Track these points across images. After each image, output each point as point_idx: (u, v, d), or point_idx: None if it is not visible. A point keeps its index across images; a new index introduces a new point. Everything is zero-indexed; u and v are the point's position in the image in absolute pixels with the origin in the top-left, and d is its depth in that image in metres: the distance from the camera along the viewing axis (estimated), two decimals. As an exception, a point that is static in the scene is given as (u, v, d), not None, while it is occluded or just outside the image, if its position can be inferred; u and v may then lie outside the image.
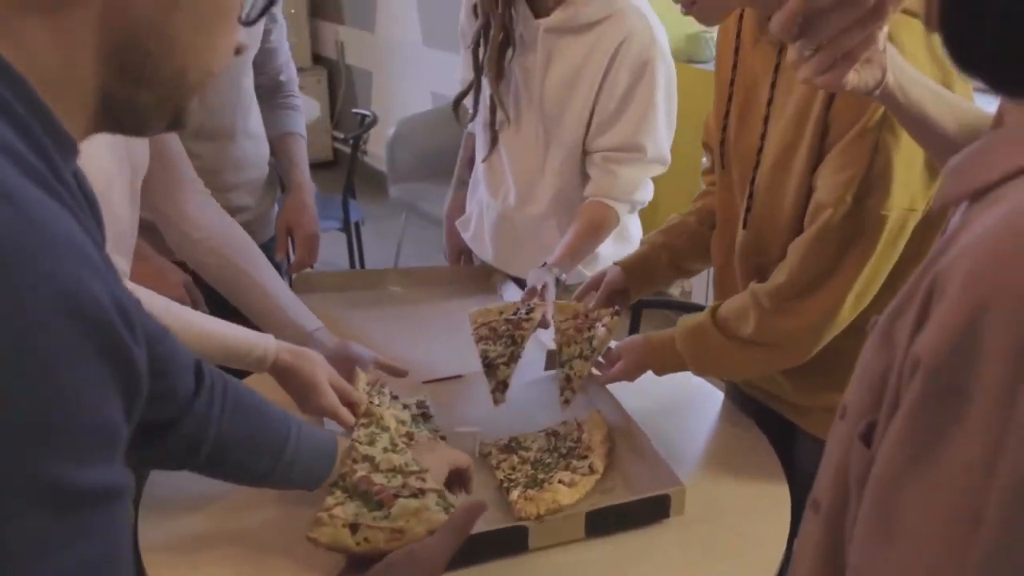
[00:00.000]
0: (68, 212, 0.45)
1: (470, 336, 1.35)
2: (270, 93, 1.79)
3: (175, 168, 1.33)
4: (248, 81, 1.66)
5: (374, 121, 3.42)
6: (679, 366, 1.26)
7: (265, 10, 0.61)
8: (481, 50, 1.58)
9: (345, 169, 3.38)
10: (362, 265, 3.42)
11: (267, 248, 1.78)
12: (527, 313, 1.34)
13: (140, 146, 1.20)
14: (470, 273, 1.86)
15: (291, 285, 1.65)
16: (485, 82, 1.59)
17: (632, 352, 1.31)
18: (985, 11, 0.48)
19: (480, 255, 1.82)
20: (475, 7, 1.58)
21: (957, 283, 0.45)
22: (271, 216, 1.80)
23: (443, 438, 1.24)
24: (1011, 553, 0.44)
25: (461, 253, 1.90)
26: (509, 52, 1.56)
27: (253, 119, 1.70)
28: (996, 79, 0.50)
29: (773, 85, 1.14)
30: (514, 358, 1.28)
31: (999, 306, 0.43)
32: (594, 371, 1.35)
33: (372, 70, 4.81)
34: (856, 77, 0.74)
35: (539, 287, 1.39)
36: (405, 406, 1.26)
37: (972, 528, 0.45)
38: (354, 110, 3.85)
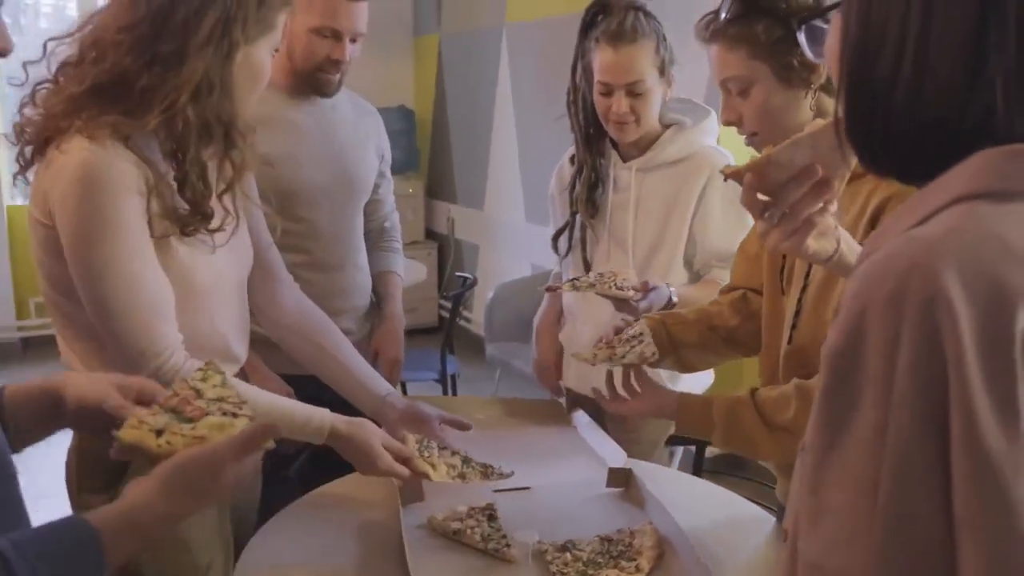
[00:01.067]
0: None
1: (541, 455, 1.52)
2: (376, 236, 2.08)
3: (271, 268, 1.57)
4: (359, 224, 1.96)
5: (474, 282, 3.71)
6: (704, 431, 1.37)
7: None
8: (576, 191, 1.86)
9: (447, 331, 3.66)
10: (455, 418, 3.60)
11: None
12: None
13: (245, 248, 1.45)
14: (547, 406, 2.02)
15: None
16: (578, 221, 1.89)
17: (657, 398, 1.43)
18: (881, 126, 0.65)
19: (565, 378, 2.00)
20: (571, 158, 1.91)
21: (848, 296, 0.60)
22: (368, 343, 2.03)
23: (500, 474, 1.42)
24: (902, 513, 0.56)
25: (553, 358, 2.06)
26: (599, 191, 1.84)
27: (361, 256, 1.98)
28: (901, 174, 0.67)
29: None
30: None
31: (874, 309, 0.58)
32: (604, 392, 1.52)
33: (479, 243, 5.19)
34: (815, 244, 0.94)
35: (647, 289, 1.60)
36: (454, 453, 1.42)
37: (873, 494, 0.57)
38: (458, 273, 4.16)
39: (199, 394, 0.98)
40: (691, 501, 1.53)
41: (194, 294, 1.28)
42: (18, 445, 0.93)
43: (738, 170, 0.93)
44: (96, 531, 0.80)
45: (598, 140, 1.87)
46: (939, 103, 0.61)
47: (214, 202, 1.30)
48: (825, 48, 0.74)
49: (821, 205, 0.91)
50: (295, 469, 1.74)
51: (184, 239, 1.27)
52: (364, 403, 1.50)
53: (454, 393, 3.61)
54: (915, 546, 0.56)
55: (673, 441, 2.02)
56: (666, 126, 1.87)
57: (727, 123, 1.40)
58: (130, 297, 1.20)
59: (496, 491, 1.55)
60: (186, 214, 1.26)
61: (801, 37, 0.77)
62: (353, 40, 1.80)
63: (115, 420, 0.92)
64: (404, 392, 3.79)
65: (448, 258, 5.49)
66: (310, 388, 1.67)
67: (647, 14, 1.78)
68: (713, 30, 1.35)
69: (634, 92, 1.75)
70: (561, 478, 1.59)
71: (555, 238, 1.98)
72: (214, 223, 1.29)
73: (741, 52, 1.32)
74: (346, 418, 1.36)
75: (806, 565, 0.62)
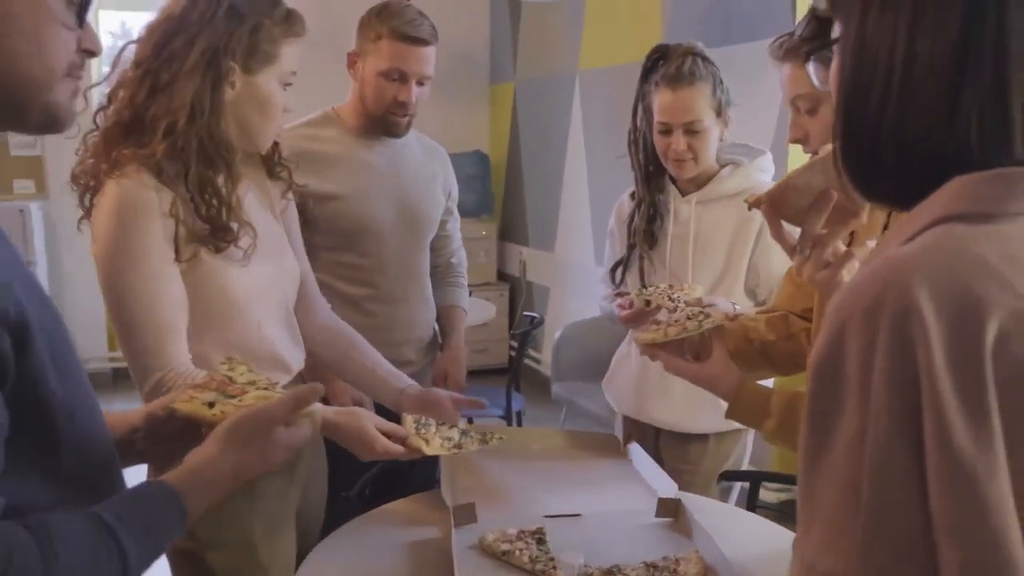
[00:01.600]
0: None
1: (593, 483, 1.56)
2: (442, 271, 2.17)
3: (308, 290, 1.66)
4: (424, 259, 2.05)
5: (540, 322, 3.77)
6: (756, 420, 1.37)
7: (86, 7, 0.79)
8: (635, 223, 1.94)
9: (514, 369, 3.72)
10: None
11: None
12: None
13: (290, 265, 1.55)
14: (603, 439, 2.05)
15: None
16: (636, 253, 1.97)
17: (720, 370, 1.39)
18: (871, 153, 0.69)
19: (621, 407, 2.03)
20: (631, 195, 2.00)
21: (831, 309, 0.65)
22: (431, 373, 2.11)
23: (500, 437, 1.47)
24: (882, 513, 0.59)
25: None
26: (658, 223, 1.93)
27: (426, 290, 2.07)
28: (892, 200, 0.71)
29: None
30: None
31: (853, 321, 0.62)
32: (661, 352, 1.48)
33: (549, 285, 5.26)
34: (848, 277, 0.97)
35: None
36: (452, 427, 1.46)
37: (857, 496, 0.61)
38: (525, 313, 4.23)
39: (231, 380, 1.08)
40: (740, 534, 1.54)
41: (234, 305, 1.37)
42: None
43: (759, 198, 0.98)
44: (175, 490, 0.87)
45: (657, 177, 1.96)
46: (923, 133, 0.65)
47: (236, 218, 1.39)
48: (829, 78, 0.79)
49: (848, 235, 0.94)
50: (357, 490, 1.82)
51: (216, 255, 1.36)
52: (385, 397, 1.61)
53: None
54: (897, 546, 0.59)
55: (727, 477, 2.03)
56: (723, 166, 1.94)
57: (794, 141, 1.47)
58: (143, 316, 1.29)
59: (547, 516, 1.60)
60: (207, 232, 1.34)
61: (809, 68, 0.82)
62: (420, 83, 1.90)
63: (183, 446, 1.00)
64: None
65: (519, 299, 5.57)
66: None
67: (704, 59, 1.87)
68: (787, 48, 1.43)
69: (691, 131, 1.85)
70: (611, 506, 1.62)
71: (612, 270, 2.05)
72: (242, 240, 1.38)
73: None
74: (336, 408, 1.42)
75: (803, 565, 0.65)
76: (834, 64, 0.77)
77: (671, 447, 2.02)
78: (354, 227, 1.90)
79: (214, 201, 1.35)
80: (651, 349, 1.47)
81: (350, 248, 1.91)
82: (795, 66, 1.41)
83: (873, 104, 0.67)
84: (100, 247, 1.30)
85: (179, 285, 1.32)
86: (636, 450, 1.89)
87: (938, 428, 0.57)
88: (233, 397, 1.01)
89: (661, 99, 1.86)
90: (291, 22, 1.41)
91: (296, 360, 1.56)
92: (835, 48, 0.78)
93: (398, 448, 1.36)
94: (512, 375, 3.61)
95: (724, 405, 1.47)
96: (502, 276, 5.77)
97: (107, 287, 1.30)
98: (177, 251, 1.32)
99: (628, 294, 1.83)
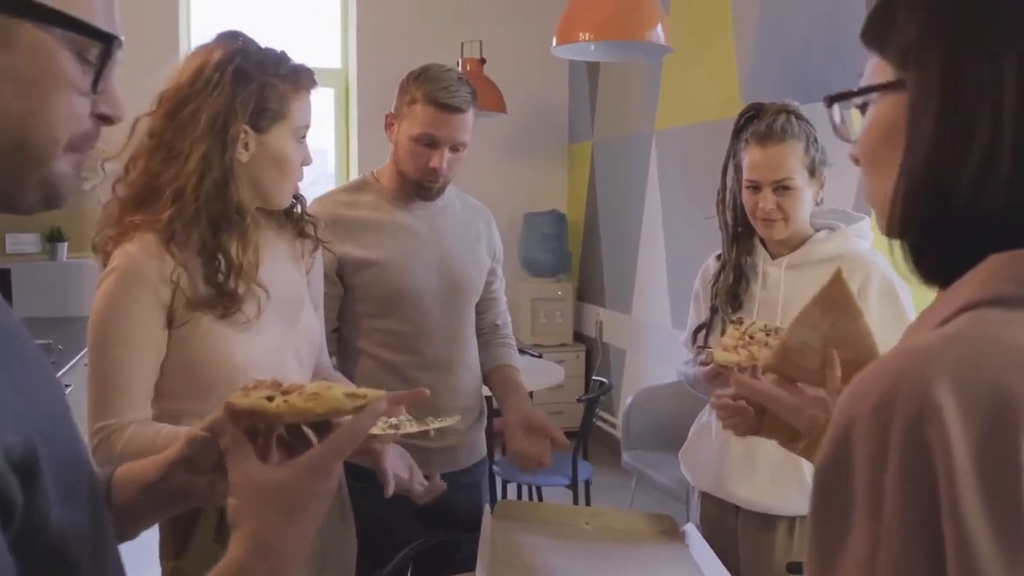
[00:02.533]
0: None
1: (644, 569, 1.43)
2: (488, 334, 2.09)
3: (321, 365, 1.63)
4: (468, 324, 1.98)
5: (609, 387, 3.65)
6: None
7: (103, 71, 0.66)
8: (718, 285, 1.85)
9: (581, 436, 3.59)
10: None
11: (471, 472, 1.99)
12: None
13: (309, 329, 1.51)
14: (659, 520, 1.91)
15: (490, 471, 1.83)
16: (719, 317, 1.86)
17: (810, 400, 1.23)
18: (948, 232, 0.59)
19: (698, 482, 1.92)
20: (717, 257, 1.91)
21: (837, 409, 0.54)
22: (477, 444, 2.02)
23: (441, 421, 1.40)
24: None
25: None
26: (743, 285, 1.83)
27: (471, 356, 1.99)
28: (940, 278, 0.61)
29: None
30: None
31: (861, 423, 0.51)
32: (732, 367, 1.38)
33: (626, 348, 5.12)
34: None
35: None
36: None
37: None
38: (594, 377, 4.11)
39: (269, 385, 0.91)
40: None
41: (235, 368, 1.33)
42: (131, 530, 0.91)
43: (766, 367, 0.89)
44: None
45: (746, 238, 1.87)
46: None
47: (246, 282, 1.37)
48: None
49: None
50: (391, 570, 1.73)
51: (225, 321, 1.35)
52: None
53: (587, 502, 3.52)
54: None
55: (794, 568, 1.86)
56: (818, 230, 1.84)
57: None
58: (104, 374, 1.31)
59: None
60: (212, 297, 1.33)
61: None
62: (455, 149, 1.84)
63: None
64: (539, 496, 3.73)
65: (595, 362, 5.45)
66: None
67: (799, 117, 1.79)
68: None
69: (782, 189, 1.75)
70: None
71: (694, 334, 1.94)
72: (248, 305, 1.36)
73: None
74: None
75: None
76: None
77: (751, 528, 1.87)
78: (393, 293, 1.84)
79: (222, 266, 1.34)
80: (726, 371, 1.40)
81: (390, 314, 1.86)
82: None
83: (970, 168, 0.57)
84: (92, 309, 1.33)
85: (153, 354, 1.33)
86: (692, 534, 1.75)
87: (962, 551, 0.46)
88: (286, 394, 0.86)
89: (751, 156, 1.78)
90: (298, 77, 1.40)
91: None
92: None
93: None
94: (578, 443, 3.47)
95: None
96: (579, 337, 5.66)
97: (89, 349, 1.33)
98: (172, 318, 1.33)
99: (709, 349, 1.73)
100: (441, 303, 1.90)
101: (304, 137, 1.42)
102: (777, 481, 1.80)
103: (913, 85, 0.61)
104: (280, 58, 1.40)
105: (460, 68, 4.60)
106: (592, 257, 5.60)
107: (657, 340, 4.71)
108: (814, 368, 1.13)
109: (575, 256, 5.78)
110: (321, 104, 5.61)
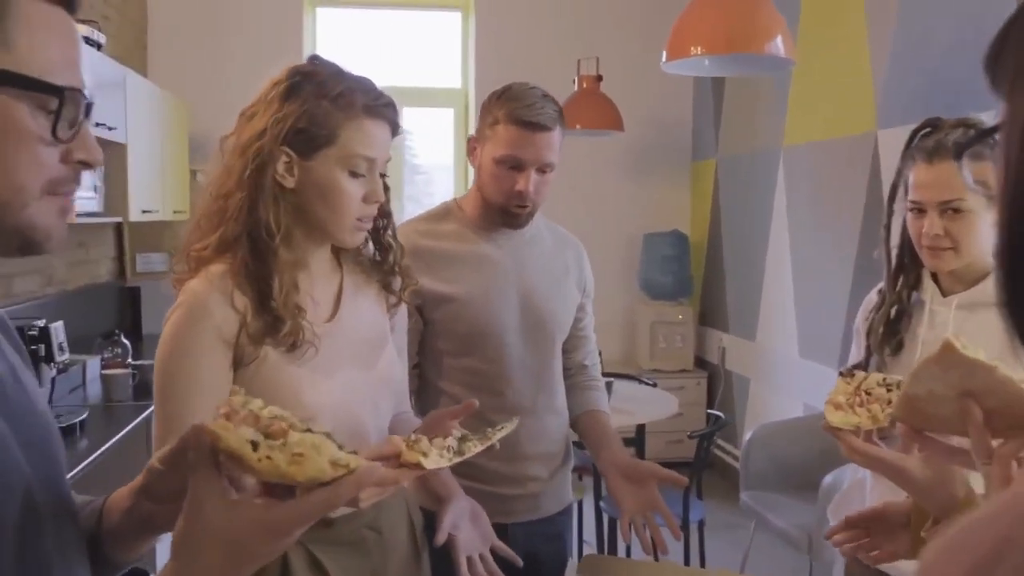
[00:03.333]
0: None
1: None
2: (575, 374, 1.93)
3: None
4: (554, 364, 1.83)
5: (725, 423, 3.42)
6: None
7: (59, 120, 0.71)
8: (875, 323, 1.65)
9: (698, 471, 3.38)
10: (702, 566, 3.27)
11: (554, 522, 1.85)
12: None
13: (385, 385, 1.42)
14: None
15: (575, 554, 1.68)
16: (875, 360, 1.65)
17: (940, 475, 1.05)
18: None
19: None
20: (879, 289, 1.70)
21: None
22: (561, 491, 1.87)
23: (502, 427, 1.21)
24: None
25: None
26: (902, 324, 1.62)
27: (556, 399, 1.84)
28: None
29: None
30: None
31: None
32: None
33: (750, 377, 4.85)
34: None
35: None
36: (446, 436, 1.13)
37: None
38: (708, 411, 3.88)
39: (255, 415, 0.83)
40: None
41: (303, 411, 1.22)
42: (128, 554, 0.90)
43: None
44: None
45: (911, 270, 1.63)
46: None
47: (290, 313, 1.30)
48: (993, 182, 0.55)
49: None
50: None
51: (294, 360, 1.28)
52: None
53: (700, 545, 3.30)
54: None
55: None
56: None
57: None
58: (169, 413, 1.26)
59: None
60: (265, 325, 1.27)
61: (964, 167, 0.57)
62: (542, 171, 1.71)
63: None
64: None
65: (717, 391, 5.19)
66: None
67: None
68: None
69: (951, 212, 1.51)
70: None
71: (844, 373, 1.71)
72: (305, 337, 1.28)
73: None
74: None
75: None
76: (996, 166, 0.53)
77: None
78: (474, 330, 1.72)
79: (280, 299, 1.27)
80: (835, 433, 1.15)
81: (471, 353, 1.74)
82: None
83: None
84: (158, 347, 1.29)
85: (216, 393, 1.25)
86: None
87: None
88: (271, 437, 0.78)
89: (916, 174, 1.55)
90: (352, 102, 1.28)
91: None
92: (999, 138, 0.53)
93: (393, 473, 1.02)
94: (690, 482, 3.26)
95: None
96: (700, 363, 5.42)
97: (155, 386, 1.29)
98: (241, 357, 1.27)
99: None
100: (524, 341, 1.76)
101: (364, 170, 1.30)
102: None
103: (1006, 119, 0.50)
104: (343, 82, 1.29)
105: (576, 86, 4.49)
106: (715, 280, 5.35)
107: (783, 370, 4.43)
108: (949, 415, 0.95)
109: (697, 278, 5.54)
110: (442, 123, 5.63)
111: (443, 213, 1.83)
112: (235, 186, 1.27)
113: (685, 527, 3.21)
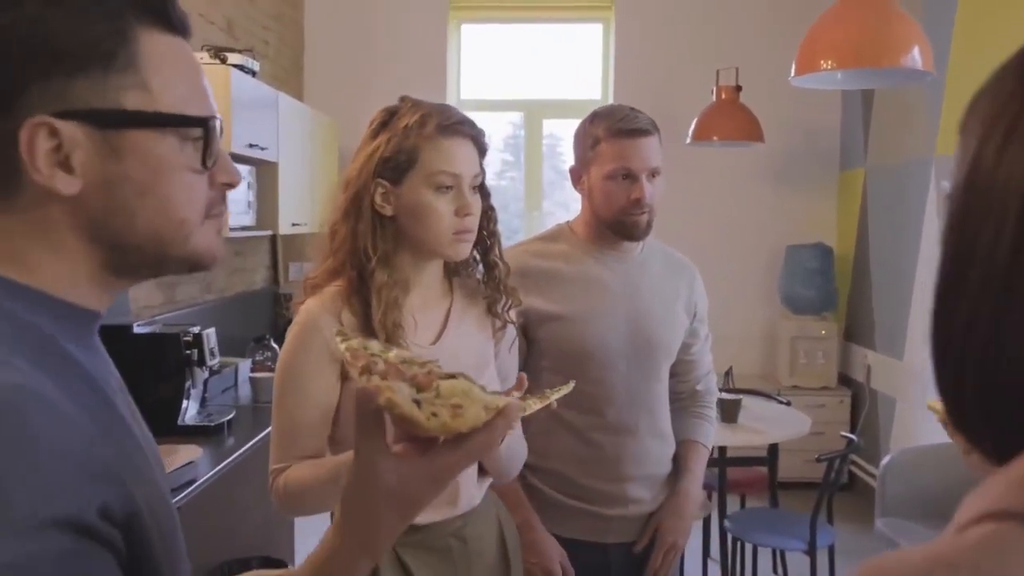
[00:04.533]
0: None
1: None
2: (686, 400, 1.93)
3: None
4: (659, 388, 1.83)
5: (857, 446, 3.29)
6: None
7: (208, 149, 0.73)
8: None
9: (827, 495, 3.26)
10: (832, 598, 3.16)
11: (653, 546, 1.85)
12: None
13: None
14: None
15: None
16: None
17: None
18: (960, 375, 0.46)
19: None
20: None
21: None
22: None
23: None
24: None
25: None
26: None
27: (661, 422, 1.84)
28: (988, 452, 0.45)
29: None
30: None
31: None
32: None
33: (896, 397, 4.62)
34: None
35: None
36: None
37: None
38: (841, 433, 3.74)
39: (396, 367, 0.79)
40: None
41: None
42: None
43: None
44: None
45: None
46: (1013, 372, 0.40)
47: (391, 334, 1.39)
48: None
49: None
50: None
51: None
52: None
53: (830, 569, 3.19)
54: None
55: None
56: None
57: None
58: (281, 421, 1.41)
59: None
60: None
61: None
62: (651, 176, 1.74)
63: None
64: (783, 561, 3.45)
65: (862, 410, 4.97)
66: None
67: None
68: None
69: None
70: None
71: None
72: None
73: None
74: None
75: None
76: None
77: None
78: (578, 350, 1.75)
79: (383, 316, 1.36)
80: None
81: (574, 373, 1.77)
82: None
83: (962, 318, 0.44)
84: (278, 360, 1.43)
85: (324, 404, 1.39)
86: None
87: None
88: (419, 391, 0.75)
89: None
90: (424, 122, 1.37)
91: (468, 499, 1.46)
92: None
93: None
94: (817, 505, 3.15)
95: None
96: (844, 380, 5.20)
97: (273, 396, 1.43)
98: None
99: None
100: (629, 363, 1.78)
101: (449, 184, 1.37)
102: None
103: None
104: (420, 109, 1.39)
105: (715, 97, 4.43)
106: (861, 294, 5.13)
107: (932, 392, 4.18)
108: None
109: (842, 293, 5.33)
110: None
111: (555, 235, 1.88)
112: (340, 219, 1.38)
113: (812, 551, 3.11)
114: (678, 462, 1.89)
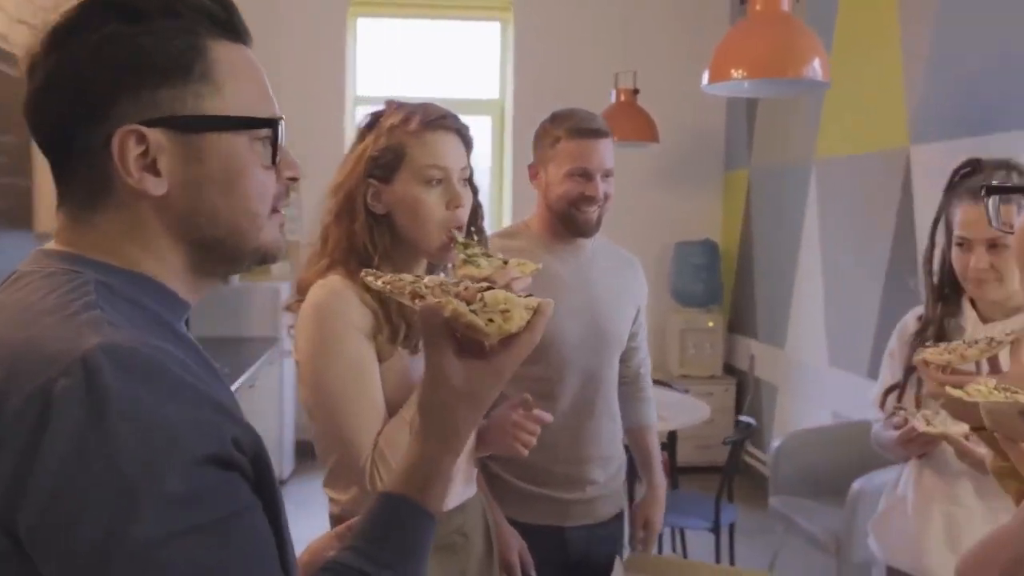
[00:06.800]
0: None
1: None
2: (631, 384, 2.09)
3: None
4: (611, 373, 1.97)
5: (755, 429, 3.52)
6: None
7: (275, 148, 0.80)
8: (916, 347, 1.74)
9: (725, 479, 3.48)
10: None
11: (608, 526, 1.97)
12: None
13: None
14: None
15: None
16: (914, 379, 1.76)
17: None
18: None
19: (889, 557, 1.83)
20: (919, 316, 1.82)
21: None
22: (616, 496, 2.00)
23: None
24: None
25: None
26: None
27: (612, 404, 1.98)
28: None
29: None
30: None
31: None
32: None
33: (778, 385, 4.94)
34: None
35: None
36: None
37: None
38: (740, 417, 3.98)
39: (439, 288, 0.87)
40: None
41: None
42: None
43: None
44: (414, 504, 0.81)
45: (953, 299, 1.77)
46: None
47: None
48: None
49: None
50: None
51: (415, 358, 1.40)
52: None
53: (730, 547, 3.41)
54: None
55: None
56: None
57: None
58: (342, 418, 1.34)
59: None
60: (396, 337, 1.38)
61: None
62: (604, 177, 1.85)
63: None
64: (682, 540, 3.65)
65: (745, 398, 5.28)
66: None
67: (1021, 173, 1.69)
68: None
69: (996, 247, 1.65)
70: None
71: (885, 393, 1.83)
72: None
73: None
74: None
75: None
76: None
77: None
78: (541, 340, 1.84)
79: (391, 302, 1.35)
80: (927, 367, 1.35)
81: (537, 361, 1.87)
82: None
83: None
84: (303, 348, 1.38)
85: (373, 371, 1.36)
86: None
87: None
88: (471, 303, 0.83)
89: (963, 213, 1.69)
90: (409, 118, 1.40)
91: (455, 498, 1.49)
92: None
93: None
94: (721, 486, 3.36)
95: None
96: (729, 370, 5.51)
97: (311, 386, 1.37)
98: (380, 349, 1.37)
99: (903, 410, 1.67)
100: (585, 350, 1.89)
101: (438, 178, 1.40)
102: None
103: None
104: (404, 108, 1.43)
105: (614, 98, 4.60)
106: (745, 288, 5.44)
107: (812, 379, 4.52)
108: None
109: (727, 286, 5.63)
110: (480, 131, 5.74)
111: (513, 232, 1.99)
112: (333, 221, 1.41)
113: (716, 530, 3.32)
114: (639, 452, 2.06)
